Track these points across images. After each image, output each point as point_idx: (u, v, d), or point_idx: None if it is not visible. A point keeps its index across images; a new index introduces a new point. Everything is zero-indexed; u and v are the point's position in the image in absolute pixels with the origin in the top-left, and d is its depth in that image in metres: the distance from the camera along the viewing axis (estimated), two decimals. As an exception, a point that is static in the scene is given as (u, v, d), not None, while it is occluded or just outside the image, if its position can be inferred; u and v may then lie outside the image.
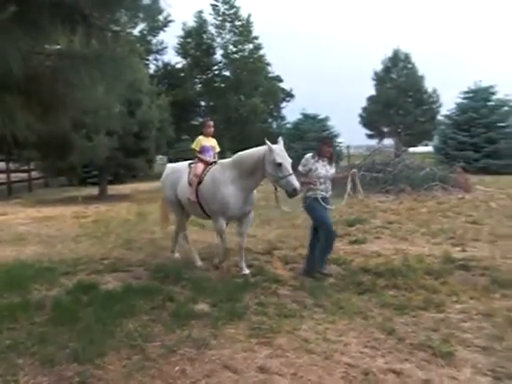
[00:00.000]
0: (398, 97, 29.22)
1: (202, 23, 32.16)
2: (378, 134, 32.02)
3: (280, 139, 5.46)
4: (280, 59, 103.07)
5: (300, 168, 5.64)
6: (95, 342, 3.75)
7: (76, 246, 7.66)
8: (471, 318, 4.28)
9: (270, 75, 34.24)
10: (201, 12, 32.34)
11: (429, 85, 31.57)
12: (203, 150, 6.21)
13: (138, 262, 6.44)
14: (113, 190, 17.59)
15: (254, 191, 5.73)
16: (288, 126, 28.56)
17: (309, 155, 5.70)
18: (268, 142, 5.29)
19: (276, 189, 5.50)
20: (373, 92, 31.80)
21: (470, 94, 23.10)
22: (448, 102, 50.16)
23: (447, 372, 3.30)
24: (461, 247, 6.86)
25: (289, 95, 36.44)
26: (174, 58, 34.63)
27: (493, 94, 23.09)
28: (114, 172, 16.88)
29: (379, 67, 32.09)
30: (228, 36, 31.57)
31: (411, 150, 36.11)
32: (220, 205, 5.51)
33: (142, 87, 15.12)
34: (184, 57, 33.00)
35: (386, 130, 31.13)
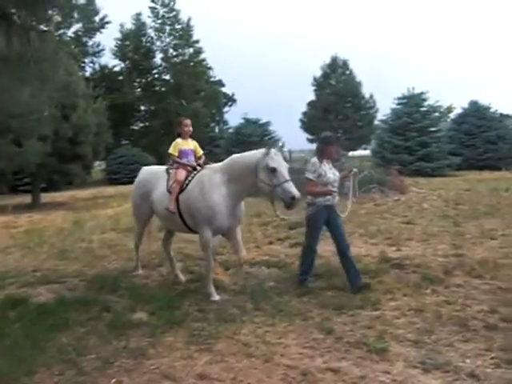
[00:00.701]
0: (337, 102, 30.19)
1: (140, 26, 31.67)
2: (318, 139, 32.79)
3: (279, 143, 5.20)
4: (222, 63, 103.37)
5: (309, 175, 5.09)
6: (24, 359, 3.55)
7: (5, 258, 7.24)
8: (404, 314, 4.45)
9: (212, 79, 34.24)
10: (139, 14, 31.86)
11: (366, 91, 32.92)
12: (182, 154, 5.43)
13: (73, 273, 6.19)
14: (47, 197, 16.84)
15: (243, 203, 5.13)
16: (230, 130, 28.67)
17: (315, 159, 5.13)
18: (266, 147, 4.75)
19: (272, 201, 4.84)
20: (313, 97, 32.70)
21: (404, 100, 24.25)
22: (384, 107, 52.49)
23: (381, 367, 3.41)
24: (396, 247, 7.14)
25: (231, 100, 36.61)
26: (111, 61, 33.93)
27: (424, 100, 24.38)
28: (47, 179, 16.17)
29: (318, 73, 33.06)
30: (168, 39, 31.27)
31: (351, 153, 37.44)
32: (206, 213, 4.81)
33: (77, 90, 14.60)
34: (122, 60, 32.32)
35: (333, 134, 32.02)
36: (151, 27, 31.35)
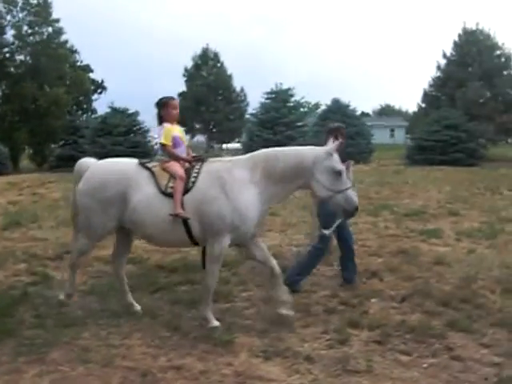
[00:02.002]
0: (208, 94, 30.31)
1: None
2: (190, 131, 32.73)
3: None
4: (94, 48, 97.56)
5: None
6: None
7: None
8: (254, 304, 4.60)
9: (79, 64, 31.99)
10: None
11: (237, 84, 33.57)
12: (175, 143, 4.29)
13: None
14: None
15: None
16: (96, 120, 27.10)
17: None
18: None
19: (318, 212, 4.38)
20: (184, 88, 32.41)
21: (273, 95, 25.22)
22: (255, 101, 54.11)
23: (225, 360, 3.45)
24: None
25: (100, 87, 34.62)
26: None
27: (292, 95, 25.68)
28: None
29: (190, 64, 32.84)
30: (21, 15, 28.16)
31: (225, 146, 37.99)
32: (232, 218, 3.85)
33: None
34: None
35: (197, 126, 32.05)
36: (-1, -1, 27.96)
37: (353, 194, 3.95)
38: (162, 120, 4.39)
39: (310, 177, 3.94)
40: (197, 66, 31.99)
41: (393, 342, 3.75)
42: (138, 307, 4.32)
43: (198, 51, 32.00)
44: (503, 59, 35.03)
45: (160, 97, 4.43)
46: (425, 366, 3.40)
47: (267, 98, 25.23)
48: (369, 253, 6.46)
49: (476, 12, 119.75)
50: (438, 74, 36.41)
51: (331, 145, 4.01)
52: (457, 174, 18.72)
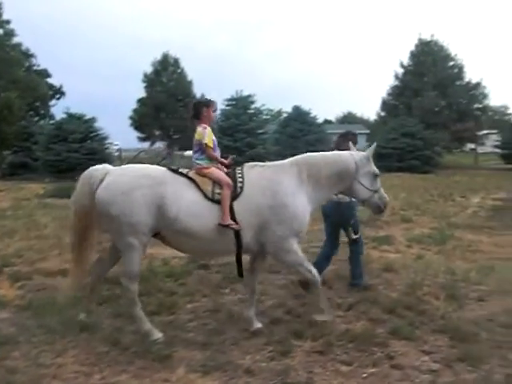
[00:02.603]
0: (168, 101, 29.93)
1: None
2: (149, 137, 32.21)
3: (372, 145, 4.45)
4: (53, 53, 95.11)
5: None
6: None
7: None
8: (199, 316, 4.49)
9: (36, 68, 30.99)
10: None
11: (198, 90, 33.28)
12: (213, 146, 4.16)
13: None
14: None
15: None
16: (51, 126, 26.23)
17: None
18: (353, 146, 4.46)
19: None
20: (143, 94, 31.85)
21: (233, 102, 25.16)
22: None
23: (162, 375, 3.35)
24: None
25: (58, 92, 33.66)
26: None
27: (252, 102, 25.66)
28: None
29: (149, 69, 32.35)
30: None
31: (186, 153, 37.58)
32: (294, 223, 3.92)
33: None
34: None
35: (157, 133, 31.57)
36: None
37: (384, 192, 4.33)
38: (200, 120, 4.20)
39: (353, 180, 4.20)
40: (157, 72, 31.58)
41: (335, 351, 3.73)
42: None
43: (158, 57, 31.74)
44: (456, 70, 36.38)
45: (203, 97, 4.48)
46: (364, 375, 3.40)
47: (227, 105, 25.15)
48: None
49: (431, 23, 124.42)
50: (396, 83, 37.44)
51: (369, 150, 4.33)
52: (413, 181, 19.20)
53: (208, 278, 5.64)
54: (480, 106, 35.83)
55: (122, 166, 4.14)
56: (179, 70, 32.00)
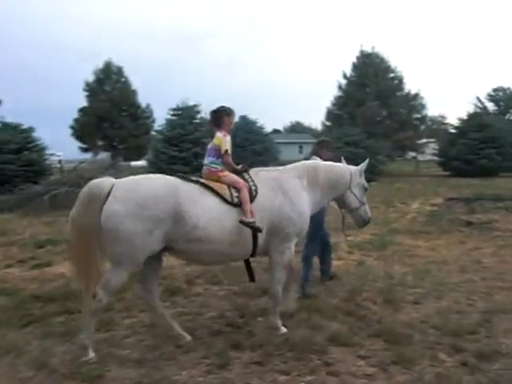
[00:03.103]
0: (111, 110, 29.20)
1: None
2: (92, 148, 31.28)
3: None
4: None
5: None
6: None
7: None
8: (136, 332, 4.34)
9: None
10: None
11: (142, 100, 32.75)
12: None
13: None
14: None
15: None
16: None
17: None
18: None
19: (343, 217, 5.11)
20: (85, 103, 30.92)
21: (179, 112, 24.87)
22: (161, 117, 53.32)
23: (91, 398, 3.17)
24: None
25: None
26: None
27: (198, 112, 25.49)
28: None
29: (91, 78, 31.49)
30: None
31: (133, 163, 36.77)
32: (300, 221, 4.23)
33: None
34: None
35: (101, 143, 30.72)
36: None
37: (367, 207, 4.82)
38: (220, 127, 4.29)
39: (346, 189, 4.65)
40: (99, 81, 30.78)
41: (274, 361, 3.70)
42: (187, 338, 4.05)
43: (101, 65, 30.93)
44: (396, 81, 37.98)
45: (223, 105, 4.41)
46: (301, 384, 3.39)
47: (173, 115, 24.82)
48: (264, 268, 6.44)
49: (372, 36, 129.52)
50: (340, 93, 38.55)
51: (362, 164, 4.84)
52: (356, 189, 19.70)
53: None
54: (419, 116, 37.60)
55: (128, 178, 3.95)
56: (123, 79, 31.36)
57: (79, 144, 31.43)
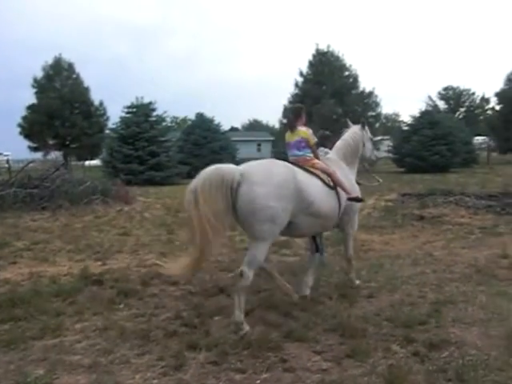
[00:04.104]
0: (62, 108, 28.19)
1: None
2: (43, 147, 30.07)
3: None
4: None
5: None
6: None
7: None
8: (88, 336, 4.19)
9: None
10: None
11: (96, 97, 31.79)
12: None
13: None
14: None
15: None
16: None
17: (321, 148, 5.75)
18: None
19: (367, 168, 6.23)
20: (34, 100, 29.63)
21: (133, 109, 24.38)
22: (115, 115, 52.23)
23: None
24: (102, 261, 6.87)
25: None
26: None
27: (153, 110, 25.06)
28: None
29: (40, 74, 30.19)
30: None
31: (87, 163, 35.70)
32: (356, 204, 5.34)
33: None
34: None
35: (51, 142, 29.61)
36: None
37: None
38: (299, 122, 5.01)
39: (362, 146, 5.80)
40: (49, 77, 29.59)
41: (230, 360, 3.67)
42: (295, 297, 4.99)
43: (50, 60, 29.72)
44: (351, 79, 38.72)
45: (297, 103, 6.05)
46: (258, 382, 3.38)
47: (128, 113, 24.30)
48: (220, 268, 6.42)
49: (327, 35, 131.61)
50: (296, 91, 38.91)
51: (358, 125, 5.88)
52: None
53: (101, 294, 5.31)
54: (373, 113, 38.48)
55: (253, 165, 4.33)
56: (74, 76, 30.30)
57: (28, 143, 30.23)
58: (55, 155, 19.62)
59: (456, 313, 4.60)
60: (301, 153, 4.87)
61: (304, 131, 4.90)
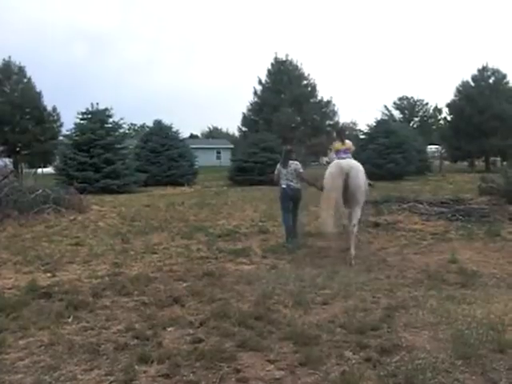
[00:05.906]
0: (13, 113, 27.12)
1: None
2: (-10, 153, 28.89)
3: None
4: None
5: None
6: None
7: None
8: (32, 352, 3.98)
9: None
10: None
11: (48, 102, 30.77)
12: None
13: None
14: None
15: None
16: None
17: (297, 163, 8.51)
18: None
19: None
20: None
21: (89, 116, 23.74)
22: (69, 121, 50.69)
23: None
24: (52, 273, 6.59)
25: None
26: None
27: (110, 116, 24.46)
28: None
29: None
30: None
31: (40, 170, 34.41)
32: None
33: None
34: None
35: (0, 148, 28.47)
36: None
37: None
38: (343, 137, 8.36)
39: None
40: (-3, 81, 28.49)
41: (182, 372, 3.58)
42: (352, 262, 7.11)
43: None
44: (309, 88, 39.40)
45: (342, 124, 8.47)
46: (210, 394, 3.31)
47: (82, 119, 23.62)
48: (174, 278, 6.29)
49: (286, 43, 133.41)
50: (255, 99, 39.20)
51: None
52: (273, 194, 19.99)
53: (49, 307, 5.09)
54: (331, 122, 39.28)
55: (352, 162, 7.56)
56: (25, 80, 29.22)
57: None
58: (4, 162, 18.77)
59: (407, 317, 4.69)
60: (347, 156, 7.72)
61: (348, 143, 8.08)
